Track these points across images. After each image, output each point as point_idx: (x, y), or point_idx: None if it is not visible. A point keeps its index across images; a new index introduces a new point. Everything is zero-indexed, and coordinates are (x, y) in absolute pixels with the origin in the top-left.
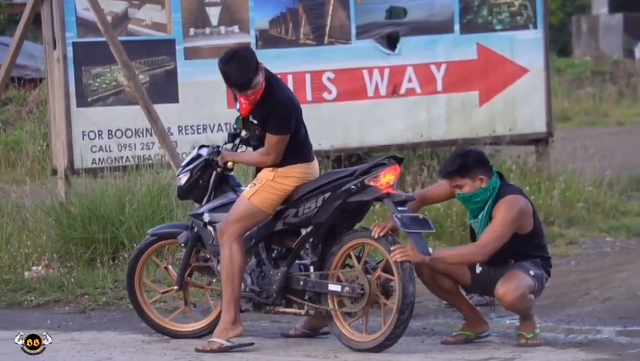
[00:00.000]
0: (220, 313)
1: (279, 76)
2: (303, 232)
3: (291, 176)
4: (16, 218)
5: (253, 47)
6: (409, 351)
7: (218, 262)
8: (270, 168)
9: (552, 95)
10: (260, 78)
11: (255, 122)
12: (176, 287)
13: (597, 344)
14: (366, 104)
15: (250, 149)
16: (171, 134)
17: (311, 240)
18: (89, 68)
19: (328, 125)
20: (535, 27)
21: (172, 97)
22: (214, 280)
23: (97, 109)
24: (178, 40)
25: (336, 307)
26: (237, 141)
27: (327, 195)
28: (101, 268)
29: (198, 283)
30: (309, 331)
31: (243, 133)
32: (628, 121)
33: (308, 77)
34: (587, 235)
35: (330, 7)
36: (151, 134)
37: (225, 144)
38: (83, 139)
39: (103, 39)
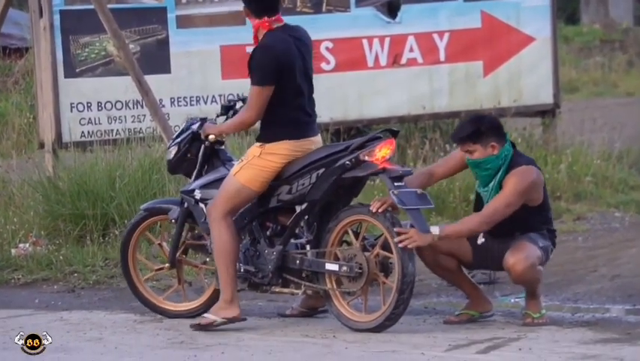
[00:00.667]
0: (213, 293)
1: None
2: (298, 209)
3: (278, 153)
4: (2, 193)
5: None
6: (411, 331)
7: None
8: (259, 144)
9: (559, 65)
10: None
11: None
12: (167, 265)
13: (605, 323)
14: (366, 75)
15: None
16: (163, 106)
17: (306, 217)
18: (77, 37)
19: (326, 97)
20: None
21: (164, 67)
22: (208, 260)
23: (86, 80)
24: (170, 7)
25: (335, 286)
26: (231, 113)
27: (320, 171)
28: (90, 245)
29: (192, 261)
30: (307, 310)
31: (238, 105)
32: (638, 91)
33: None
34: (595, 210)
35: None
36: (142, 107)
37: (217, 116)
38: (72, 111)
39: (91, 7)
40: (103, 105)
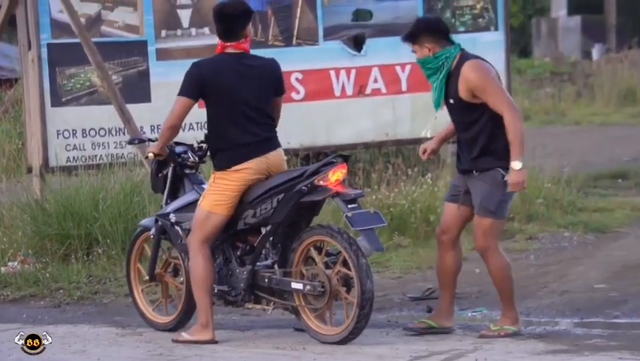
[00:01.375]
0: (182, 310)
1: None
2: (263, 230)
3: (227, 179)
4: None
5: None
6: (375, 343)
7: (186, 260)
8: (212, 171)
9: (513, 95)
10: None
11: None
12: (146, 278)
13: (555, 336)
14: (334, 104)
15: None
16: (144, 133)
17: (271, 238)
18: (63, 68)
19: (296, 125)
20: (496, 29)
21: (144, 97)
22: (181, 279)
23: (71, 109)
24: (150, 41)
25: (302, 302)
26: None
27: (280, 196)
28: (75, 263)
29: (172, 280)
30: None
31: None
32: (585, 120)
33: None
34: (546, 230)
35: (298, 10)
36: (124, 133)
37: (200, 143)
38: (58, 138)
39: (77, 40)
40: (87, 132)
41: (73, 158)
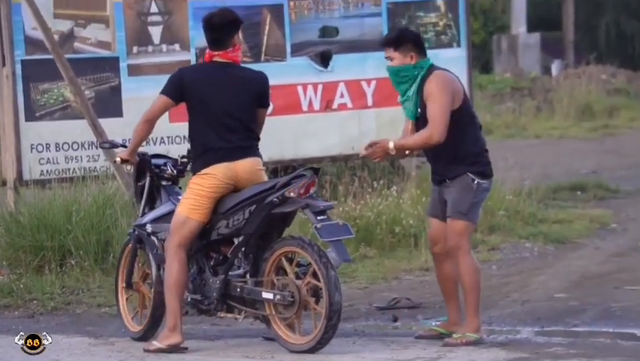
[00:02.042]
0: (150, 320)
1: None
2: (236, 241)
3: (199, 183)
4: None
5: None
6: (342, 352)
7: (161, 270)
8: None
9: (475, 110)
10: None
11: None
12: (123, 285)
13: (517, 344)
14: (301, 119)
15: None
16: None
17: (243, 249)
18: (37, 84)
19: (265, 139)
20: (458, 46)
21: (116, 111)
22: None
23: (45, 123)
24: (122, 57)
25: (273, 312)
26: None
27: (252, 207)
28: (49, 274)
29: (146, 289)
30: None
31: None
32: (545, 134)
33: None
34: (508, 241)
35: (267, 27)
36: (96, 147)
37: (182, 157)
38: (32, 152)
39: (50, 57)
40: (61, 146)
41: (47, 171)
